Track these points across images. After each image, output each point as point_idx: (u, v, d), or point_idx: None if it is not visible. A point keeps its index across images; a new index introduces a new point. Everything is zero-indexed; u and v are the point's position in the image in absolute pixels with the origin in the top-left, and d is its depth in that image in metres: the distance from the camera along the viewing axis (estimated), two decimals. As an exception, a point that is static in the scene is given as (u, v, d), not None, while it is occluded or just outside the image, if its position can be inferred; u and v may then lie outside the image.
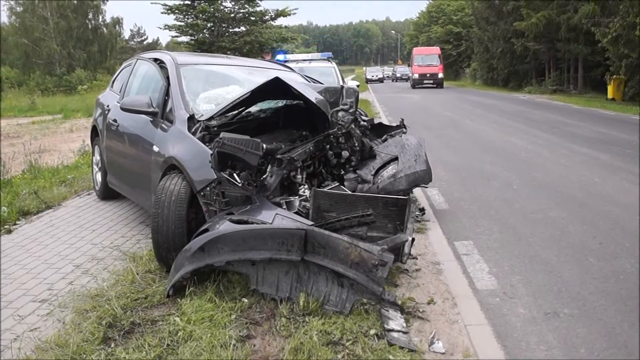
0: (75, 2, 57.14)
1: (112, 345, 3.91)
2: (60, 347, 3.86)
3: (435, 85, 47.69)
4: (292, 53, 21.06)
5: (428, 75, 48.30)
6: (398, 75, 75.60)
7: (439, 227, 6.80)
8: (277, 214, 4.85)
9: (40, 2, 55.34)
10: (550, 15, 31.97)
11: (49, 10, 54.73)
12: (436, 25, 72.73)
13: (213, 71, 7.41)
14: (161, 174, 5.59)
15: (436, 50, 52.79)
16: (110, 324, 4.16)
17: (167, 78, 6.56)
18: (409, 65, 58.55)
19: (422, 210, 7.31)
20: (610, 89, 27.32)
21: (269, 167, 5.49)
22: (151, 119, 6.37)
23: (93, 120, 8.84)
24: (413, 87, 48.69)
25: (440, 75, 48.45)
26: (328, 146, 6.41)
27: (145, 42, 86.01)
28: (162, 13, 32.31)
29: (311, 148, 6.03)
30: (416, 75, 48.98)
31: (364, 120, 7.42)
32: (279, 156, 5.51)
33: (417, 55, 50.85)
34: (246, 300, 4.45)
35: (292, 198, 5.54)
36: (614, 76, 26.48)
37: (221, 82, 7.00)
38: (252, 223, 4.64)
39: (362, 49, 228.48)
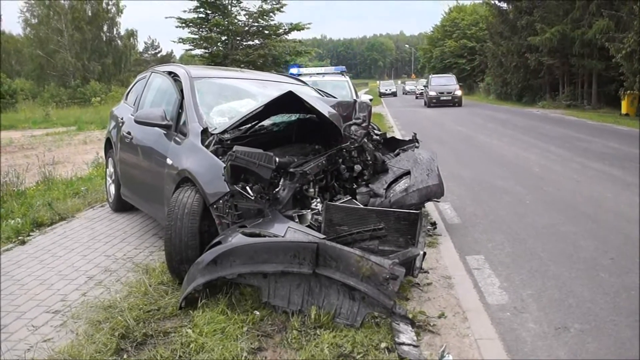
0: (90, 14, 57.55)
1: (125, 356, 3.94)
2: (73, 357, 3.89)
3: None
4: (306, 67, 21.08)
5: None
6: (433, 93, 40.97)
7: (450, 242, 6.80)
8: (289, 227, 4.87)
9: (55, 14, 55.77)
10: (565, 30, 31.95)
11: (63, 22, 55.16)
12: (450, 40, 72.66)
13: (227, 84, 7.44)
14: (174, 187, 5.62)
15: None
16: (123, 335, 4.19)
17: (181, 91, 6.60)
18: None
19: (433, 224, 7.32)
20: (624, 104, 27.21)
21: (282, 180, 5.50)
22: (165, 132, 6.42)
23: (107, 133, 8.91)
24: None
25: None
26: (341, 160, 6.43)
27: (159, 55, 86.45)
28: (176, 27, 32.54)
29: (324, 162, 6.05)
30: None
31: (376, 134, 7.45)
32: (291, 170, 5.53)
33: None
34: (258, 313, 4.46)
35: (304, 211, 5.56)
36: (628, 91, 26.37)
37: (235, 96, 7.04)
38: (265, 236, 4.67)
39: (376, 63, 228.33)
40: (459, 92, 40.56)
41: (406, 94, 65.95)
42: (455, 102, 39.83)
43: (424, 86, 46.70)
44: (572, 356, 4.02)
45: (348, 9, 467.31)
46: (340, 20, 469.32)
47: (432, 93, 40.97)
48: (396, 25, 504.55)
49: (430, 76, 48.08)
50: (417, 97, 56.96)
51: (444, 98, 40.19)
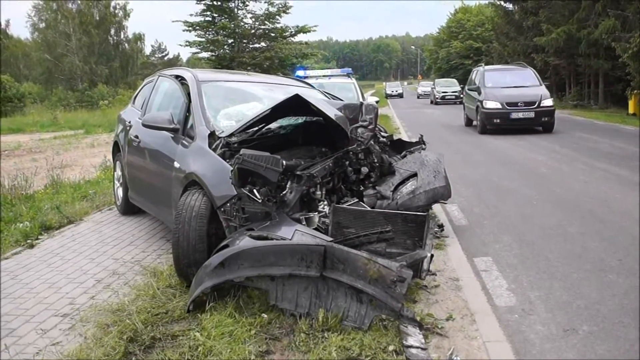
0: (97, 18, 57.79)
1: (133, 359, 3.95)
2: (82, 361, 3.91)
3: None
4: (313, 69, 21.07)
5: None
6: (493, 104, 18.95)
7: (458, 243, 6.79)
8: (296, 230, 4.88)
9: (62, 18, 56.02)
10: (571, 30, 31.77)
11: (71, 26, 55.42)
12: (456, 41, 72.57)
13: (233, 88, 7.47)
14: (182, 190, 5.65)
15: None
16: (131, 338, 4.20)
17: (188, 95, 6.63)
18: None
19: (441, 226, 7.31)
20: (631, 104, 27.02)
21: (289, 183, 5.51)
22: (172, 135, 6.44)
23: (115, 136, 8.95)
24: None
25: None
26: (347, 162, 6.43)
27: (166, 58, 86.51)
28: (183, 30, 32.67)
29: (330, 164, 6.06)
30: None
31: (383, 137, 7.45)
32: (298, 172, 5.54)
33: None
34: (266, 316, 4.47)
35: (311, 214, 5.56)
36: (635, 91, 26.23)
37: (241, 99, 7.07)
38: (272, 239, 4.67)
39: (382, 64, 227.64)
40: (549, 102, 19.29)
41: (420, 97, 61.62)
42: (544, 123, 19.12)
43: (471, 89, 22.10)
44: (580, 358, 4.01)
45: (351, 10, 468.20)
46: (346, 22, 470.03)
47: (493, 104, 19.24)
48: (401, 27, 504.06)
49: (479, 70, 22.32)
50: (436, 102, 46.03)
51: (520, 116, 18.93)
